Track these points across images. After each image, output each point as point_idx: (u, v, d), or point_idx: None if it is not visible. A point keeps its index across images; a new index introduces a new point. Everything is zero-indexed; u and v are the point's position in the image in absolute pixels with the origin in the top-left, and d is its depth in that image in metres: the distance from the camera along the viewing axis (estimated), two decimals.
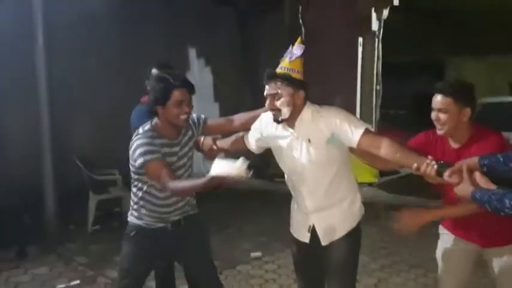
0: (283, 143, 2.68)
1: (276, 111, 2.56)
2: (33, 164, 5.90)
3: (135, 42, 7.30)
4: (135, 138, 2.70)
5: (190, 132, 2.89)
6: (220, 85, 9.40)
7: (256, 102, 9.68)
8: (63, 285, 4.44)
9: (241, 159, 2.43)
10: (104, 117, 6.96)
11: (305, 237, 2.78)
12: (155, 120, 2.77)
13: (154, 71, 3.59)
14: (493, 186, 2.10)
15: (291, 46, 2.59)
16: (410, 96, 19.37)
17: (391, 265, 4.86)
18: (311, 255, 2.82)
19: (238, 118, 3.04)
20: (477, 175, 2.18)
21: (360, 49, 7.25)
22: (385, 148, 2.47)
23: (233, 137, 3.06)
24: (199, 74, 9.15)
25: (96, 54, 7.09)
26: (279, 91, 2.52)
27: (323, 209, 2.69)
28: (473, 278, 2.89)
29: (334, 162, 2.63)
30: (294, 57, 2.54)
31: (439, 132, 2.58)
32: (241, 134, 3.02)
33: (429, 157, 2.34)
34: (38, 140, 5.88)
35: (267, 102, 2.59)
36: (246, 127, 2.96)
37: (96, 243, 5.55)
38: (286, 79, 2.52)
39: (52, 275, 4.70)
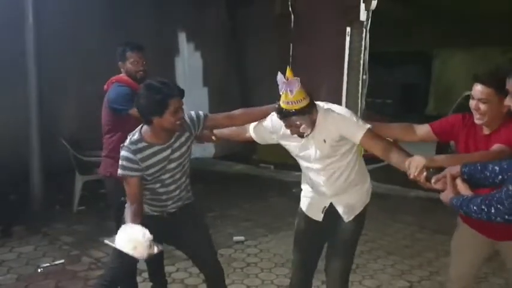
0: (297, 143, 2.79)
1: (301, 133, 2.66)
2: (20, 143, 5.94)
3: (125, 26, 7.29)
4: (123, 147, 2.80)
5: (187, 133, 2.92)
6: (209, 70, 9.43)
7: (244, 88, 9.72)
8: (48, 264, 4.49)
9: (143, 233, 2.57)
10: (92, 98, 6.95)
11: (319, 217, 2.94)
12: (145, 128, 2.82)
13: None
14: (470, 192, 2.22)
15: (281, 77, 2.56)
16: (397, 85, 19.57)
17: (370, 251, 4.98)
18: (318, 232, 2.99)
19: (240, 115, 3.02)
20: (458, 182, 2.27)
21: (348, 39, 7.31)
22: (382, 151, 2.61)
23: (234, 127, 3.11)
24: (189, 58, 9.17)
25: (86, 35, 7.09)
26: (298, 122, 2.60)
27: (340, 193, 2.86)
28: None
29: (348, 154, 2.77)
30: (294, 91, 2.54)
31: (478, 122, 2.56)
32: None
33: None
34: (25, 119, 5.90)
35: (290, 131, 2.67)
36: (248, 123, 3.01)
37: (81, 223, 5.61)
38: (300, 113, 2.57)
39: (37, 253, 4.75)
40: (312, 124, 2.65)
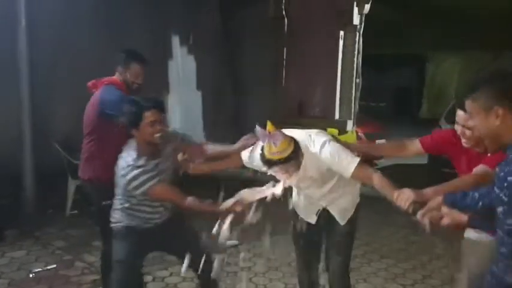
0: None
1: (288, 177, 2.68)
2: (12, 147, 5.90)
3: (118, 29, 7.27)
4: (129, 169, 2.82)
5: (170, 145, 3.06)
6: (203, 73, 9.41)
7: (238, 91, 9.61)
8: (40, 269, 4.47)
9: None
10: (85, 102, 6.93)
11: (313, 219, 3.04)
12: (134, 145, 2.91)
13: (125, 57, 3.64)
14: (462, 216, 2.18)
15: (262, 131, 2.53)
16: (391, 89, 19.65)
17: (363, 255, 4.98)
18: (314, 232, 3.09)
19: (236, 149, 3.15)
20: (444, 210, 2.24)
21: (341, 42, 7.31)
22: (374, 181, 2.65)
23: (227, 157, 3.26)
24: (182, 61, 9.15)
25: (79, 39, 7.06)
26: (284, 171, 2.60)
27: (333, 201, 2.95)
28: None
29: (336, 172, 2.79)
30: (278, 142, 2.51)
31: (465, 145, 2.59)
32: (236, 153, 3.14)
33: None
34: (18, 123, 5.87)
35: (276, 175, 2.68)
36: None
37: (74, 227, 5.58)
38: (286, 161, 2.55)
39: (29, 258, 4.72)
40: (298, 166, 2.64)
